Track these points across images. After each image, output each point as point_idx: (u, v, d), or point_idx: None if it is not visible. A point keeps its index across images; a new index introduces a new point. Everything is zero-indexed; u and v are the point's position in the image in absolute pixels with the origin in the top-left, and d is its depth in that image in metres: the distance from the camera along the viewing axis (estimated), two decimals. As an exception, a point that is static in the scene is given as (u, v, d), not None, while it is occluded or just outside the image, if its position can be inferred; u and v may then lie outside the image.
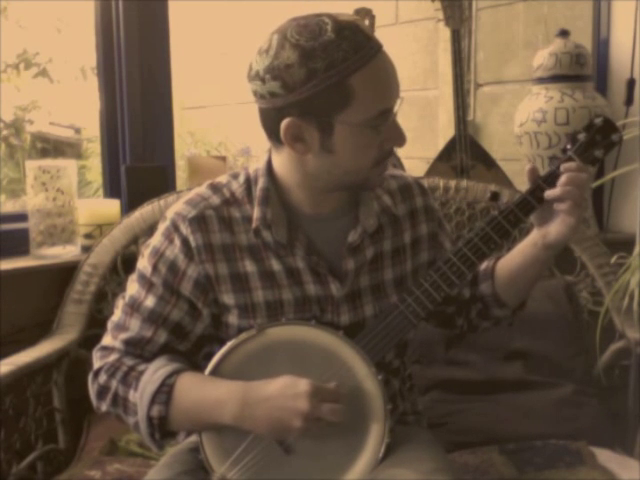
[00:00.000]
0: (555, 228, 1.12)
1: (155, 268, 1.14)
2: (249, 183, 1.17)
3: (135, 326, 1.14)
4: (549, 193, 1.11)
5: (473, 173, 2.26)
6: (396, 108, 1.09)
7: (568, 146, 1.15)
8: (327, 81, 1.02)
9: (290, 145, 1.08)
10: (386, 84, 1.07)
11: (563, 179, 1.10)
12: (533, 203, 1.12)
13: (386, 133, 1.08)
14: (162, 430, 1.10)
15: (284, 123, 1.05)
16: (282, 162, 1.14)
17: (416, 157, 2.73)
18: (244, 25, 3.83)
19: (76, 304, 1.69)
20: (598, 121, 1.14)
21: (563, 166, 1.11)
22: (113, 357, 1.14)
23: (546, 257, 1.17)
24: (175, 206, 1.17)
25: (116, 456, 1.52)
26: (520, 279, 1.22)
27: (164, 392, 1.08)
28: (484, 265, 1.28)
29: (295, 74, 1.02)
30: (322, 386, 1.04)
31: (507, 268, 1.23)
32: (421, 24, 2.87)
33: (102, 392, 1.13)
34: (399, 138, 1.10)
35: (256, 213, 1.13)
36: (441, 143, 2.54)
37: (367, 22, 2.17)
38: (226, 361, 1.10)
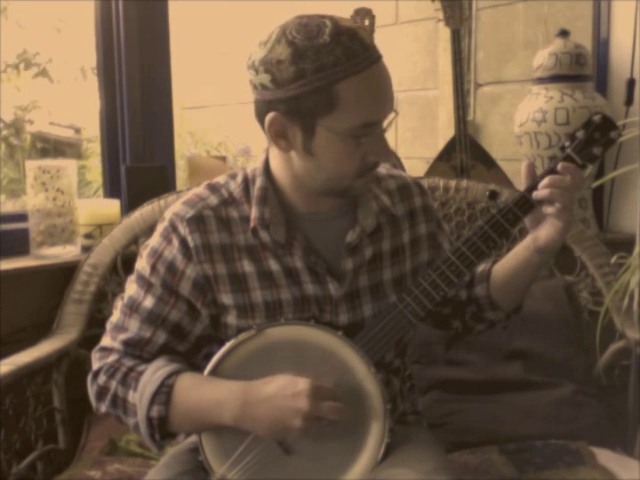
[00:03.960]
0: (544, 231, 1.12)
1: (154, 268, 1.14)
2: (247, 183, 1.17)
3: (134, 327, 1.14)
4: (536, 193, 1.10)
5: (473, 173, 2.26)
6: (386, 123, 1.08)
7: (566, 144, 1.14)
8: (315, 83, 1.02)
9: (273, 140, 1.08)
10: (374, 97, 1.05)
11: (545, 181, 1.09)
12: (531, 201, 1.12)
13: (370, 146, 1.07)
14: (162, 431, 1.10)
15: (268, 117, 1.06)
16: (275, 160, 1.15)
17: (416, 157, 2.74)
18: (244, 25, 3.83)
19: (76, 304, 1.69)
20: (596, 118, 1.14)
21: (561, 165, 1.10)
22: (112, 358, 1.14)
23: (540, 261, 1.17)
24: (173, 207, 1.17)
25: (116, 456, 1.52)
26: (514, 282, 1.22)
27: (164, 393, 1.08)
28: (481, 268, 1.28)
29: (284, 71, 1.02)
30: (321, 385, 1.04)
31: (502, 271, 1.23)
32: (421, 24, 2.86)
33: (101, 393, 1.13)
34: (383, 153, 1.10)
35: (254, 213, 1.13)
36: (441, 143, 2.54)
37: (367, 22, 2.17)
38: (225, 361, 1.10)
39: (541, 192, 1.10)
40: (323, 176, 1.09)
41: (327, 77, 1.01)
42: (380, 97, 1.06)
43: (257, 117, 1.11)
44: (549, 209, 1.10)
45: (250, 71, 1.07)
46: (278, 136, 1.08)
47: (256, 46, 1.07)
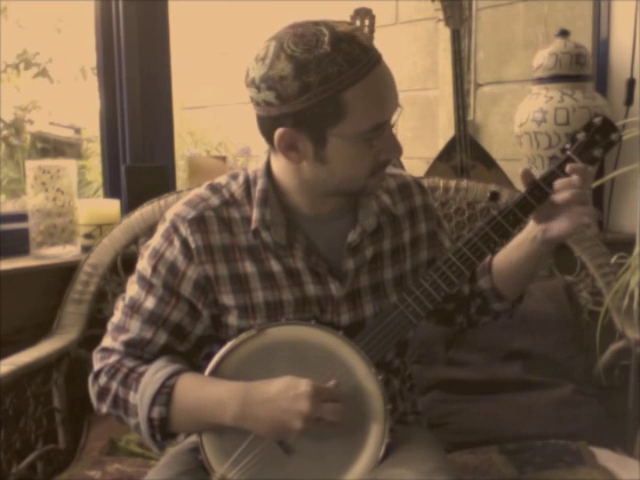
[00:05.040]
0: (559, 225, 1.12)
1: (155, 269, 1.14)
2: (248, 184, 1.17)
3: (135, 327, 1.14)
4: (557, 197, 1.10)
5: (473, 173, 2.26)
6: (394, 119, 1.08)
7: (567, 146, 1.15)
8: (321, 95, 1.01)
9: (284, 154, 1.08)
10: (381, 98, 1.06)
11: (562, 183, 1.10)
12: (532, 203, 1.12)
13: (381, 144, 1.07)
14: (163, 431, 1.10)
15: (278, 133, 1.05)
16: (280, 166, 1.14)
17: (416, 157, 2.73)
18: (244, 25, 3.83)
19: (76, 304, 1.69)
20: (597, 121, 1.14)
21: (570, 166, 1.11)
22: (113, 359, 1.14)
23: (545, 251, 1.18)
24: (174, 207, 1.17)
25: (116, 456, 1.52)
26: (519, 272, 1.23)
27: (164, 393, 1.08)
28: (480, 260, 1.28)
29: (289, 86, 1.01)
30: (322, 386, 1.04)
31: (505, 262, 1.23)
32: (421, 24, 2.87)
33: (102, 394, 1.13)
34: (394, 150, 1.10)
35: (255, 214, 1.13)
36: (441, 143, 2.54)
37: (367, 22, 2.17)
38: (226, 361, 1.10)
39: (561, 195, 1.10)
40: (335, 180, 1.09)
41: (333, 87, 1.01)
42: (387, 97, 1.06)
43: (262, 132, 1.10)
44: (581, 210, 1.10)
45: (251, 88, 1.06)
46: (288, 149, 1.07)
47: (253, 62, 1.06)
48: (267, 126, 1.07)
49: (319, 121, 1.03)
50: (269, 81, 1.03)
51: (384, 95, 1.06)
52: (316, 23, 1.04)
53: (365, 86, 1.02)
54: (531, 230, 1.17)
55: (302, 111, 1.02)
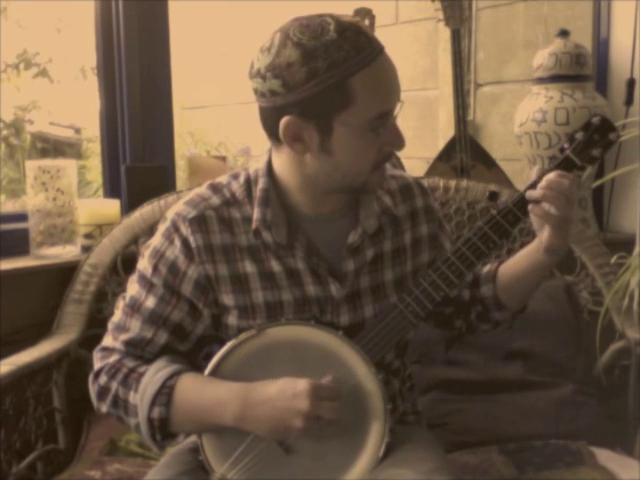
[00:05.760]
0: (544, 234, 1.13)
1: (155, 269, 1.14)
2: (249, 184, 1.17)
3: (135, 327, 1.14)
4: (529, 193, 1.11)
5: (473, 173, 2.26)
6: (396, 111, 1.09)
7: (565, 145, 1.15)
8: (328, 81, 1.02)
9: (289, 144, 1.08)
10: (387, 86, 1.07)
11: (542, 183, 1.10)
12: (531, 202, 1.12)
13: (385, 136, 1.08)
14: (163, 431, 1.10)
15: (283, 122, 1.05)
16: (282, 163, 1.14)
17: (416, 157, 2.73)
18: (244, 25, 3.83)
19: (76, 304, 1.69)
20: (596, 120, 1.14)
21: (544, 179, 1.11)
22: (113, 358, 1.14)
23: (550, 261, 1.17)
24: (175, 207, 1.17)
25: (116, 456, 1.52)
26: (522, 283, 1.23)
27: (165, 394, 1.08)
28: (486, 268, 1.28)
29: (296, 73, 1.02)
30: (321, 384, 1.04)
31: (510, 272, 1.24)
32: (421, 24, 2.87)
33: (102, 393, 1.13)
34: (398, 141, 1.10)
35: (256, 214, 1.13)
36: (441, 143, 2.54)
37: (367, 22, 2.17)
38: (226, 361, 1.10)
39: (535, 192, 1.10)
40: (339, 174, 1.09)
41: (340, 73, 1.02)
42: (391, 85, 1.07)
43: (266, 125, 1.10)
44: (536, 210, 1.10)
45: (256, 79, 1.06)
46: (294, 140, 1.07)
47: (258, 53, 1.06)
48: (272, 118, 1.07)
49: (326, 108, 1.04)
50: (276, 69, 1.03)
51: (389, 83, 1.07)
52: (320, 15, 1.05)
53: (371, 73, 1.03)
54: (536, 242, 1.18)
55: (309, 98, 1.03)
